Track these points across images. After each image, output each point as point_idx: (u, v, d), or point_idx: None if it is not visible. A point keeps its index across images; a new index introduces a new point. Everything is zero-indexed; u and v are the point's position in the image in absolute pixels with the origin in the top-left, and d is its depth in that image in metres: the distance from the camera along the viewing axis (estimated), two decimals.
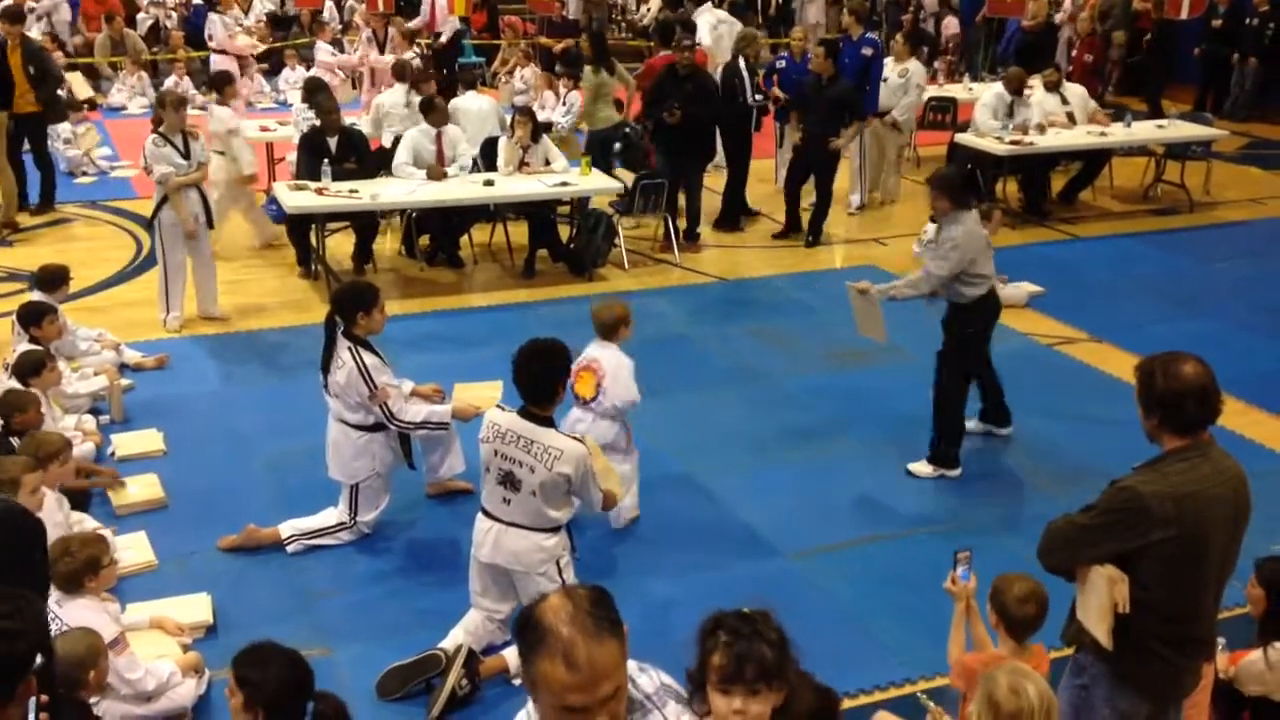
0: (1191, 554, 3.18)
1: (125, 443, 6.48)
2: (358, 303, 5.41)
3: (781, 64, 11.36)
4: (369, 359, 5.35)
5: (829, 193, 10.33)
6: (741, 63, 10.70)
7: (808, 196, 10.53)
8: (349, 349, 5.34)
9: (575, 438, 4.46)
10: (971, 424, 6.51)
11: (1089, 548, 3.26)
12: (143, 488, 5.99)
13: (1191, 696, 3.60)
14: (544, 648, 2.01)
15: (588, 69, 11.00)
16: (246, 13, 18.10)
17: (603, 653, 2.02)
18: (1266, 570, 3.98)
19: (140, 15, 17.88)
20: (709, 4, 13.60)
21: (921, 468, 6.33)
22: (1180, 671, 3.38)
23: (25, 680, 2.19)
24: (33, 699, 2.27)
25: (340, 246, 9.70)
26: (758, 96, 10.64)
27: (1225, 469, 3.24)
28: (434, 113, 9.43)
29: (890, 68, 11.17)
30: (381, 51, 13.70)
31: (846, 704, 4.07)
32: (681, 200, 10.28)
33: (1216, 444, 3.28)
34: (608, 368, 5.63)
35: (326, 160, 9.04)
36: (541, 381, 4.47)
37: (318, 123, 9.49)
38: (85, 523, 5.38)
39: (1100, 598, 3.24)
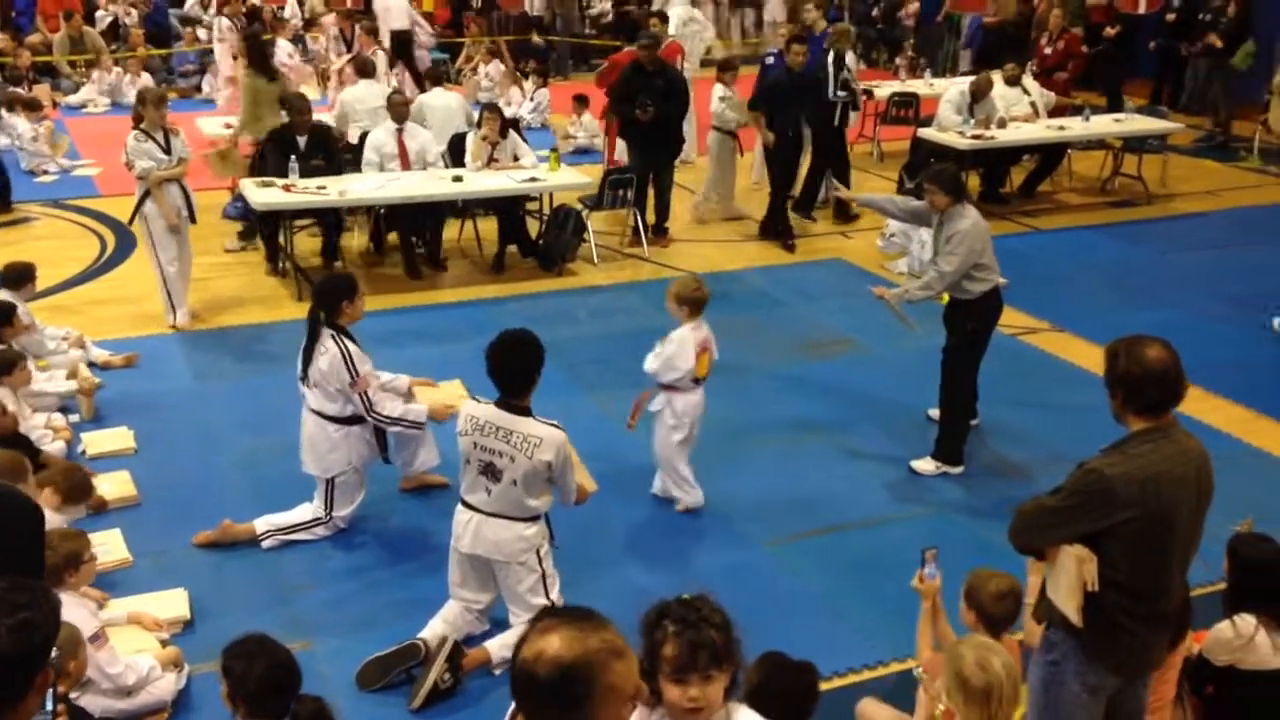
0: (1156, 532, 3.28)
1: (96, 441, 6.46)
2: (340, 292, 5.47)
3: (769, 60, 11.46)
4: (352, 347, 5.40)
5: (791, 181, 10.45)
6: (829, 58, 10.71)
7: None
8: (332, 337, 5.38)
9: (553, 424, 4.51)
10: (934, 412, 6.60)
11: (1058, 528, 3.35)
12: (115, 485, 5.97)
13: (1161, 672, 3.71)
14: (595, 692, 2.05)
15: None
16: (206, 9, 17.97)
17: (631, 666, 2.14)
18: (1232, 545, 4.10)
19: (99, 13, 17.70)
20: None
21: (925, 465, 6.37)
22: (1148, 646, 3.48)
23: (44, 671, 2.21)
24: (50, 690, 2.29)
25: (308, 243, 9.68)
26: (841, 93, 10.40)
27: (1188, 449, 3.34)
28: (392, 109, 9.43)
29: None
30: (349, 50, 13.67)
31: (823, 686, 4.13)
32: (651, 195, 10.34)
33: (1180, 425, 3.38)
34: (714, 340, 5.80)
35: (294, 157, 9.02)
36: (518, 372, 4.51)
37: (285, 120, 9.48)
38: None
39: (1070, 576, 3.33)
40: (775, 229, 10.31)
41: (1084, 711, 3.49)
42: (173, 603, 5.01)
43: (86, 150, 12.89)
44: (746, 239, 10.48)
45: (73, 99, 15.52)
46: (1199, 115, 14.09)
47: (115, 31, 17.32)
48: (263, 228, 9.36)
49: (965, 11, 15.08)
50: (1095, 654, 3.42)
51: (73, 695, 3.86)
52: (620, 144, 10.60)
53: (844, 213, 10.94)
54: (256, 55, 10.02)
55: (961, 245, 5.96)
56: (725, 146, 10.81)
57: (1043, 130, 11.45)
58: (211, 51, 16.26)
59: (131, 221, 8.31)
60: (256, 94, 9.93)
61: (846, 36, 10.96)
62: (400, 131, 9.42)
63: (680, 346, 5.70)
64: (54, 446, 6.14)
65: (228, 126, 11.18)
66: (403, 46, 14.71)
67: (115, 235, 10.09)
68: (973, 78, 11.54)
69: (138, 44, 16.58)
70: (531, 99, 14.82)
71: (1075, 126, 11.53)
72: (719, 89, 10.71)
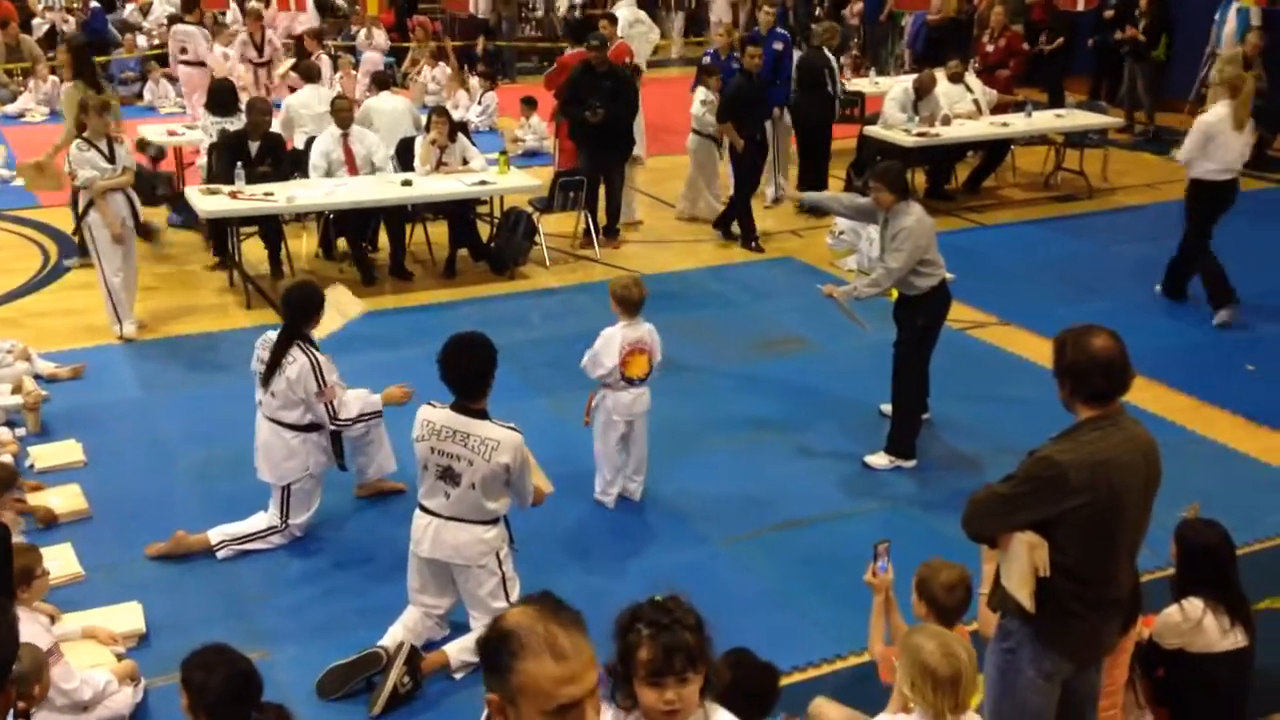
0: (1106, 519, 3.35)
1: (44, 455, 6.36)
2: (312, 301, 5.50)
3: (707, 59, 11.53)
4: (321, 357, 5.41)
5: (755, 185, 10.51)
6: (828, 52, 10.82)
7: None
8: (301, 346, 5.38)
9: (510, 427, 4.52)
10: (886, 407, 6.68)
11: (1010, 515, 3.41)
12: (65, 499, 5.89)
13: (1113, 656, 3.79)
14: (525, 650, 1.98)
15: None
16: (146, 15, 17.74)
17: (584, 641, 2.02)
18: (1179, 530, 4.20)
19: (36, 20, 17.41)
20: (628, 1, 13.72)
21: (878, 459, 6.43)
22: (1099, 631, 3.55)
23: (4, 691, 2.17)
24: (10, 710, 2.25)
25: (256, 250, 9.57)
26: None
27: (1135, 436, 3.41)
28: (336, 115, 9.36)
29: None
30: (260, 54, 13.62)
31: (782, 680, 4.18)
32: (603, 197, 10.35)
33: (1127, 413, 3.45)
34: (654, 342, 5.83)
35: (241, 164, 8.93)
36: (471, 374, 4.51)
37: (230, 129, 9.38)
38: None
39: (1021, 563, 3.39)
40: (743, 232, 10.31)
41: (1040, 697, 3.55)
42: (127, 616, 4.95)
43: (26, 160, 12.63)
44: (698, 240, 10.52)
45: (10, 108, 15.24)
46: (1125, 109, 14.37)
47: (53, 39, 17.03)
48: (211, 234, 9.26)
49: (908, 10, 15.22)
50: (1049, 640, 3.49)
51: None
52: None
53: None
54: (83, 67, 9.57)
55: (907, 241, 6.04)
56: (705, 148, 10.81)
57: (986, 127, 11.62)
58: (152, 58, 16.08)
59: (76, 231, 8.18)
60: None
61: (835, 34, 11.46)
62: (345, 137, 9.35)
63: (605, 344, 5.77)
64: (1, 460, 6.04)
65: (172, 134, 11.07)
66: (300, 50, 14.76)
67: (58, 246, 9.93)
68: (916, 75, 11.68)
69: None
70: (480, 102, 14.78)
71: (1018, 123, 11.69)
72: (701, 92, 10.69)
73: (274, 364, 5.40)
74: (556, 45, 17.34)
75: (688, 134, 10.88)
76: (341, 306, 6.05)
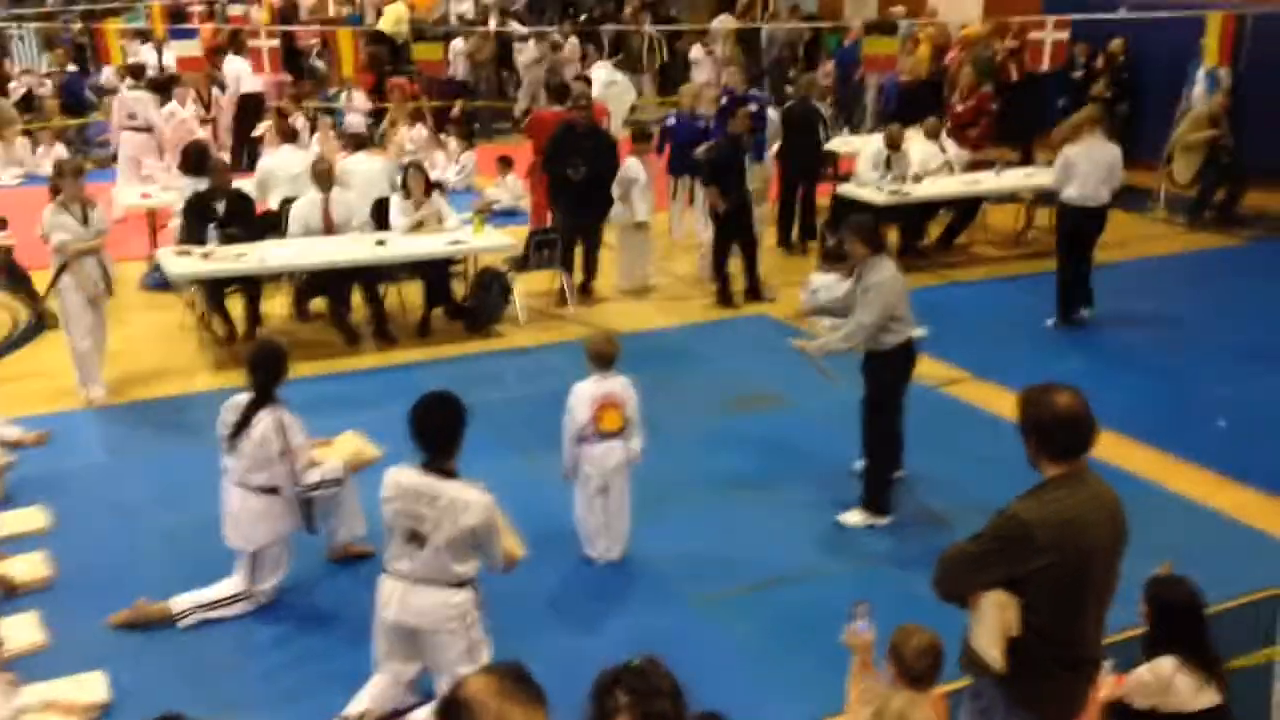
0: (1074, 576, 3.34)
1: (6, 522, 6.28)
2: (279, 363, 5.50)
3: (671, 121, 11.64)
4: (288, 418, 5.38)
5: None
6: (815, 102, 11.14)
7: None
8: (269, 406, 5.36)
9: (480, 488, 4.48)
10: (858, 465, 6.66)
11: (978, 573, 3.40)
12: (28, 567, 5.80)
13: (1082, 715, 3.75)
14: None
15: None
16: (123, 79, 17.79)
17: None
18: (1149, 588, 4.17)
19: (12, 84, 17.45)
20: (602, 61, 13.88)
21: (852, 517, 6.42)
22: (1072, 690, 3.53)
23: None
24: None
25: (232, 309, 9.53)
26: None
27: (1101, 494, 3.42)
28: (317, 178, 9.38)
29: None
30: (208, 111, 13.77)
31: None
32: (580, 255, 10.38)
33: (1092, 471, 3.46)
34: (628, 396, 5.85)
35: (213, 225, 8.93)
36: (440, 432, 4.49)
37: (201, 188, 9.39)
38: None
39: (991, 622, 3.37)
40: (753, 289, 10.35)
41: None
42: (91, 687, 4.86)
43: None
44: (675, 298, 10.54)
45: None
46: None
47: (29, 102, 17.08)
48: (211, 299, 9.18)
49: (879, 71, 15.44)
50: (1021, 700, 3.46)
51: None
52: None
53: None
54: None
55: (879, 298, 6.08)
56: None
57: (957, 185, 11.75)
58: None
59: (47, 295, 8.14)
60: None
61: (815, 85, 12.05)
62: (326, 200, 9.35)
63: (575, 399, 5.83)
64: None
65: (145, 196, 11.07)
66: (254, 110, 14.84)
67: (27, 309, 9.87)
68: (885, 131, 11.83)
69: (52, 114, 16.37)
70: (457, 162, 14.88)
71: (988, 181, 11.83)
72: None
73: (242, 425, 5.35)
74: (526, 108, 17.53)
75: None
76: (357, 451, 5.98)
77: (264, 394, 5.41)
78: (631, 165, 10.28)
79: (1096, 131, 9.52)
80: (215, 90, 14.35)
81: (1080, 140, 9.51)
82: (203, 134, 13.14)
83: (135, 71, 13.86)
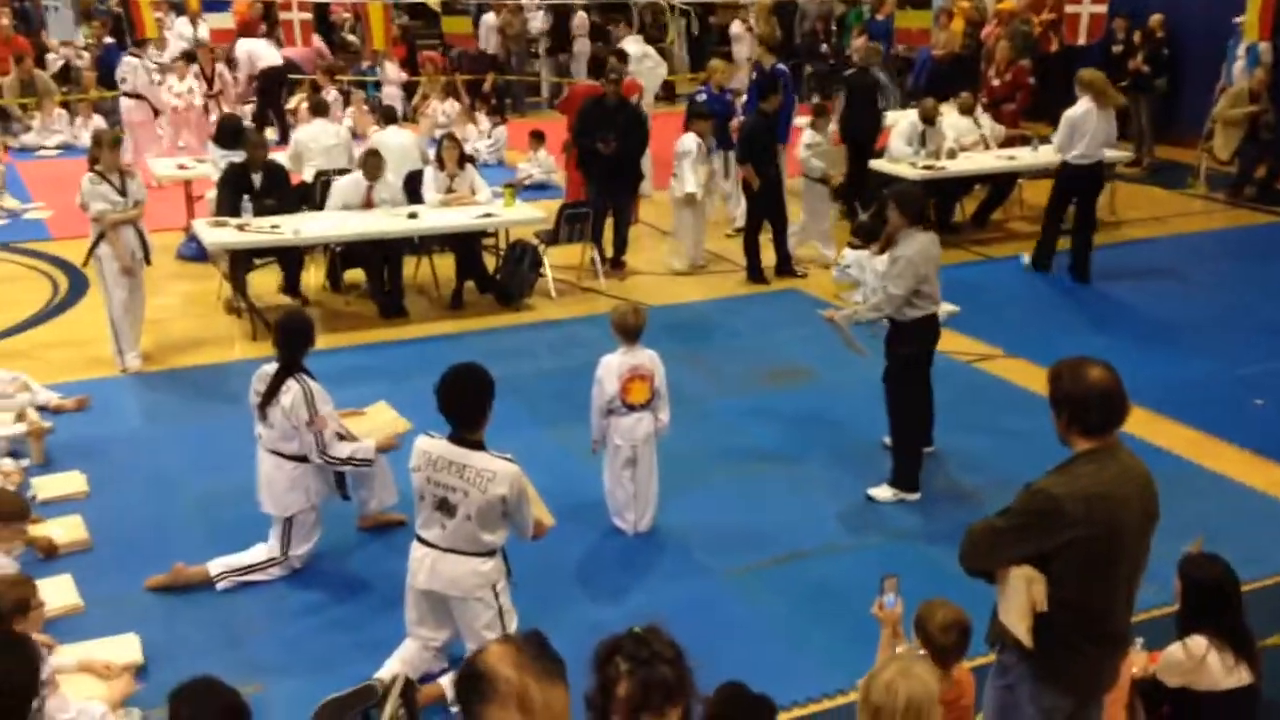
0: (1103, 552, 3.31)
1: (46, 485, 6.37)
2: (307, 330, 5.53)
3: (702, 97, 11.57)
4: (315, 386, 5.40)
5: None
6: (876, 71, 11.21)
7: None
8: (297, 375, 5.38)
9: (507, 458, 4.50)
10: (888, 440, 6.64)
11: (1007, 549, 3.38)
12: (66, 530, 5.89)
13: (1111, 692, 3.74)
14: (495, 695, 1.96)
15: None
16: (162, 51, 17.90)
17: (557, 693, 2.00)
18: (1182, 565, 4.15)
19: (50, 55, 17.60)
20: (633, 35, 13.83)
21: (882, 492, 6.40)
22: (1100, 666, 3.51)
23: None
24: None
25: (263, 282, 9.61)
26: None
27: (1132, 470, 3.38)
28: (367, 169, 9.38)
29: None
30: (210, 86, 13.83)
31: (783, 717, 4.14)
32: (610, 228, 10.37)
33: (1124, 446, 3.43)
34: (655, 368, 5.86)
35: (247, 196, 8.99)
36: (468, 405, 4.50)
37: (236, 161, 9.45)
38: None
39: (1019, 598, 3.35)
40: (784, 264, 10.30)
41: None
42: (125, 648, 4.93)
43: (39, 194, 12.77)
44: (706, 273, 10.52)
45: (25, 139, 15.40)
46: (1135, 143, 14.40)
47: (66, 74, 17.22)
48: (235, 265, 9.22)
49: (912, 45, 15.28)
50: (1048, 676, 3.44)
51: None
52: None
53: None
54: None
55: (910, 268, 6.07)
56: (814, 192, 10.68)
57: (993, 160, 11.64)
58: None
59: (86, 264, 8.23)
60: None
61: (877, 52, 12.14)
62: (370, 188, 9.37)
63: (604, 371, 5.85)
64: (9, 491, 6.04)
65: (181, 167, 11.15)
66: (277, 84, 14.90)
67: (67, 278, 9.99)
68: (919, 105, 11.72)
69: (89, 86, 16.50)
70: (489, 136, 14.91)
71: (1024, 156, 11.71)
72: (808, 135, 10.58)
73: (270, 394, 5.40)
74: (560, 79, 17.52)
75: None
76: (388, 428, 5.99)
77: (291, 363, 5.44)
78: (685, 139, 10.16)
79: (1102, 95, 9.85)
80: (221, 66, 14.41)
81: (1083, 103, 9.86)
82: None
83: (116, 34, 14.01)
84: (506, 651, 2.03)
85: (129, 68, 13.44)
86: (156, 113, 13.76)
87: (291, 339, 5.49)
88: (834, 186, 10.73)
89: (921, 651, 3.90)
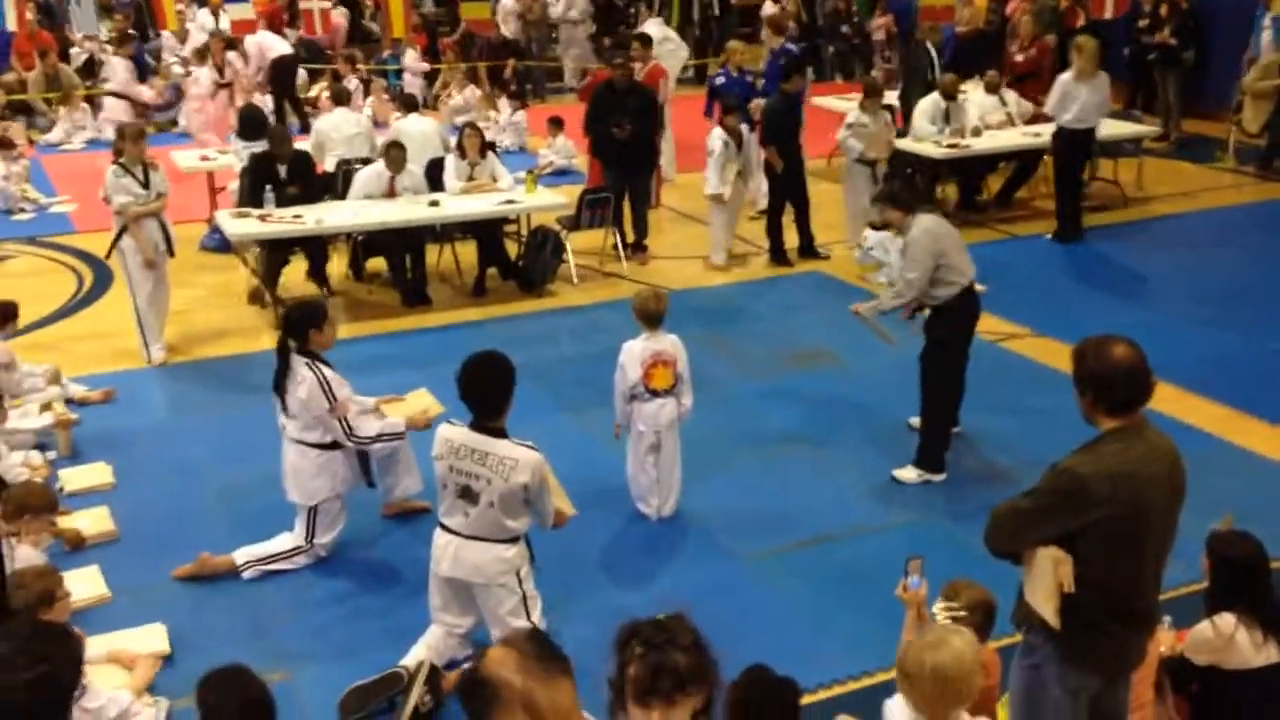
0: (1130, 531, 3.27)
1: (73, 477, 6.42)
2: (310, 319, 5.48)
3: (720, 80, 11.51)
4: (328, 372, 5.39)
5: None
6: (929, 46, 11.59)
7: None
8: (306, 364, 5.37)
9: (529, 446, 4.49)
10: (915, 421, 6.59)
11: (1033, 530, 3.35)
12: (93, 521, 5.93)
13: (1138, 670, 3.70)
14: (499, 703, 1.97)
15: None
16: (183, 42, 17.98)
17: (560, 692, 2.00)
18: (1211, 543, 4.09)
19: (74, 50, 17.69)
20: (654, 18, 13.76)
21: (907, 473, 6.37)
22: (1127, 646, 3.47)
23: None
24: None
25: (288, 272, 9.62)
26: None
27: (1159, 447, 3.34)
28: (392, 158, 9.37)
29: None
30: (221, 76, 13.96)
31: (807, 699, 4.12)
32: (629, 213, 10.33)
33: (1150, 424, 3.38)
34: (678, 353, 5.85)
35: (270, 186, 9.00)
36: (489, 393, 4.50)
37: (257, 151, 9.46)
38: None
39: (1046, 578, 3.32)
40: (807, 246, 10.22)
41: (1066, 715, 3.48)
42: (152, 638, 4.97)
43: (64, 188, 12.85)
44: (731, 255, 10.46)
45: (50, 136, 15.50)
46: (1162, 117, 14.22)
47: (91, 68, 17.30)
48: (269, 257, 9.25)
49: (936, 21, 15.11)
50: (1075, 656, 3.41)
51: None
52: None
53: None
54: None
55: (919, 253, 6.06)
56: (860, 174, 10.41)
57: (1017, 137, 11.50)
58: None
59: (109, 255, 8.28)
60: None
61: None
62: (393, 179, 9.35)
63: (626, 357, 5.83)
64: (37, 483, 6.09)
65: (204, 159, 11.19)
66: (287, 74, 14.90)
67: (92, 271, 10.06)
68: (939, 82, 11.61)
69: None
70: (511, 122, 14.87)
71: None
72: (852, 114, 10.34)
73: (278, 382, 5.41)
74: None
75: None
76: (421, 407, 6.00)
77: (288, 352, 5.43)
78: (712, 137, 9.90)
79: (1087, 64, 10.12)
80: (231, 55, 14.46)
81: (1077, 72, 10.16)
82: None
83: (139, 26, 14.10)
84: (507, 656, 2.02)
85: (111, 66, 13.51)
86: (143, 110, 13.80)
87: (291, 326, 5.50)
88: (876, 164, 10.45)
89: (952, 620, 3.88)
